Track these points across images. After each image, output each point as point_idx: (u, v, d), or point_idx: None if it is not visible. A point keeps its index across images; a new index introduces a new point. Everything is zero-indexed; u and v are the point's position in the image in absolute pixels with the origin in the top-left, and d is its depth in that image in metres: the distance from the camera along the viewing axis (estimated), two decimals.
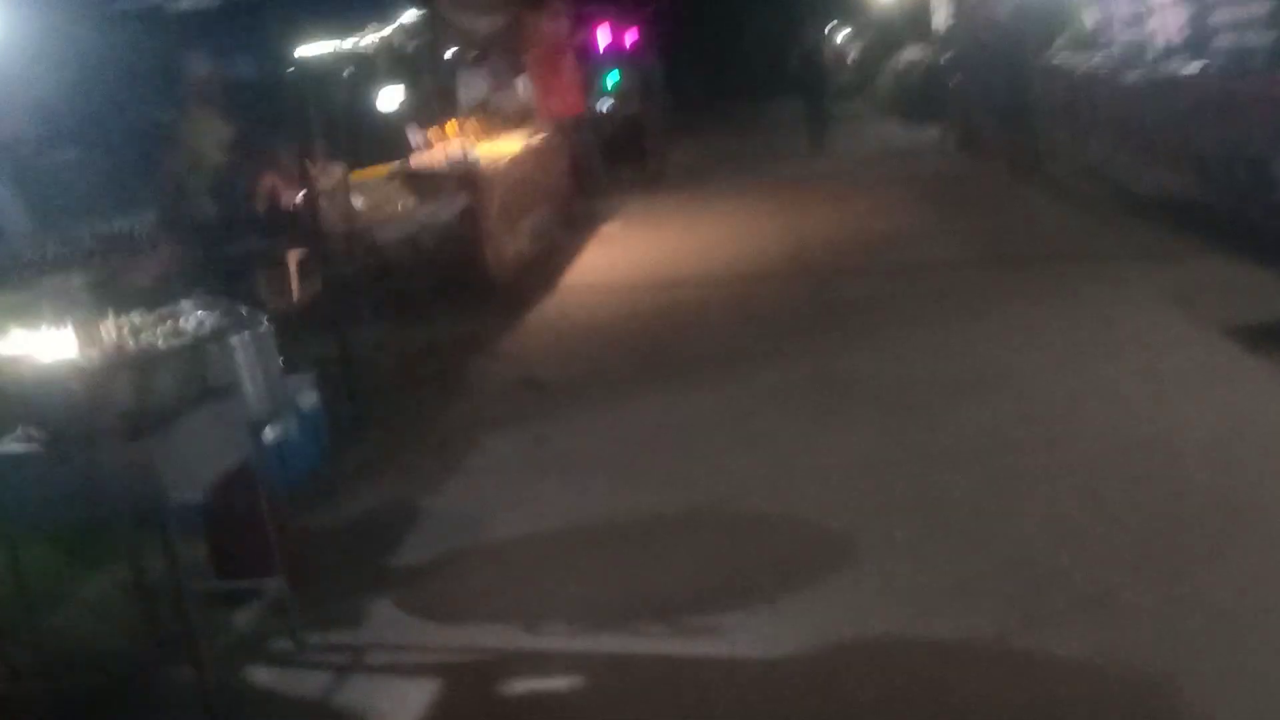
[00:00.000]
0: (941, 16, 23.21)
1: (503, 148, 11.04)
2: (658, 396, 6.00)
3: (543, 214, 11.55)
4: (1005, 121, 12.35)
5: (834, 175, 13.79)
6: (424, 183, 9.24)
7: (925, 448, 4.69)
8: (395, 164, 9.76)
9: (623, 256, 10.60)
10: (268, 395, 3.82)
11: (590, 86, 16.45)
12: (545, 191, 11.83)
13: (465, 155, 9.34)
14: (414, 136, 9.99)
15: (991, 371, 5.50)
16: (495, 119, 12.63)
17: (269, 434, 4.15)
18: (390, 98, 10.78)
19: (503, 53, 12.45)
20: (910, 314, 6.90)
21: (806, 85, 18.16)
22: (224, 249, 6.91)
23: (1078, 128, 10.48)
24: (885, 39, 28.11)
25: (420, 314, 8.01)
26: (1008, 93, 12.23)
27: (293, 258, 7.19)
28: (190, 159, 7.62)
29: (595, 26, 17.36)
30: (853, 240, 9.67)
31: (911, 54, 23.38)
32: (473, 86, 14.44)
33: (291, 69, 11.53)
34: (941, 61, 19.41)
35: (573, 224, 12.61)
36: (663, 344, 7.16)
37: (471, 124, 11.45)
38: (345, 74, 12.58)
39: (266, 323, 3.91)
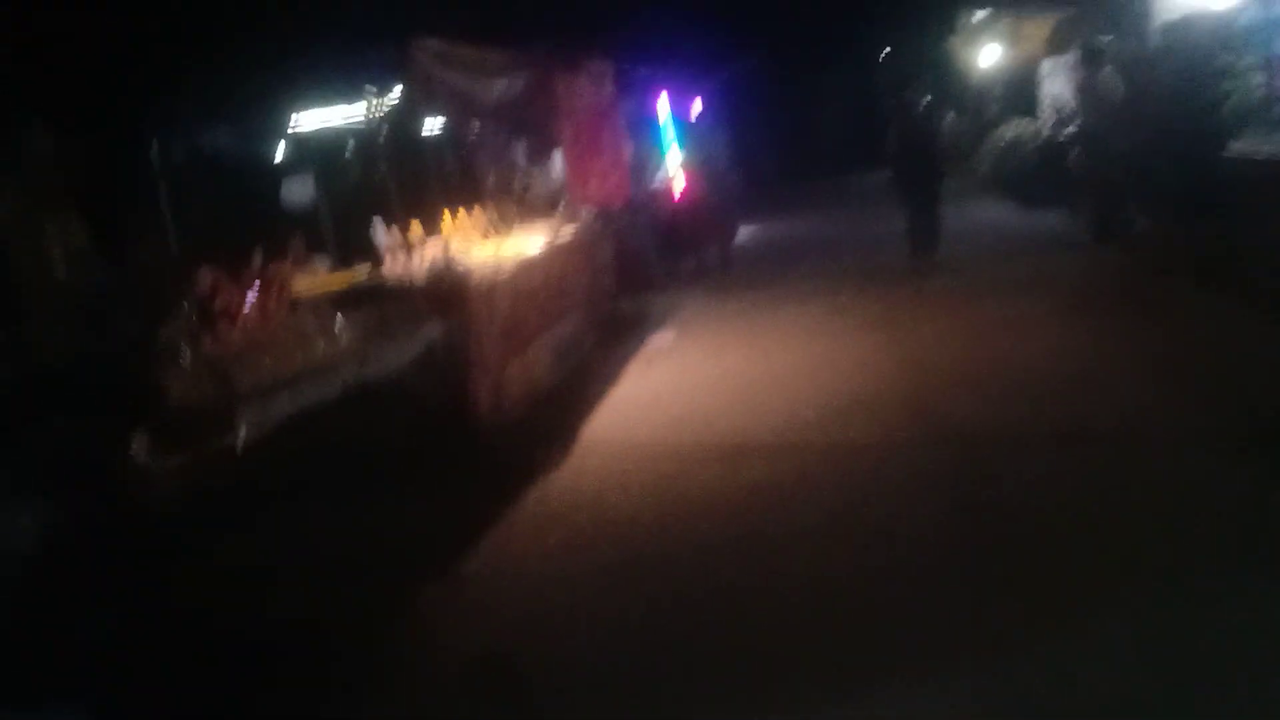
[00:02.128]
0: (1056, 86, 20.58)
1: (520, 245, 8.49)
2: None
3: (572, 326, 8.94)
4: (1176, 212, 9.47)
5: (947, 275, 10.97)
6: (385, 303, 6.67)
7: None
8: (359, 271, 7.24)
9: (671, 390, 7.90)
10: None
11: (644, 164, 13.93)
12: (577, 297, 9.23)
13: (449, 263, 6.76)
14: (381, 236, 7.44)
15: None
16: (521, 207, 10.14)
17: None
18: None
19: (529, 124, 9.99)
20: (1159, 573, 3.94)
21: (910, 172, 11.69)
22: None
23: None
24: (982, 110, 25.40)
25: (353, 497, 5.39)
26: (1180, 177, 9.39)
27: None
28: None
29: (652, 94, 14.89)
30: (991, 379, 6.85)
31: (1018, 128, 20.62)
32: (503, 167, 12.11)
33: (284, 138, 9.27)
34: (1061, 137, 16.67)
35: (614, 334, 9.98)
36: (721, 596, 4.37)
37: (483, 215, 8.93)
38: (348, 150, 10.26)
39: None
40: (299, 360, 5.82)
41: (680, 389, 7.86)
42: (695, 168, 14.48)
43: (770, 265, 13.81)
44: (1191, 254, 8.80)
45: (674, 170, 14.43)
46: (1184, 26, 10.92)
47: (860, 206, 19.95)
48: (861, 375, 7.33)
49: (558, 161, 10.12)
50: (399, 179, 8.01)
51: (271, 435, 5.31)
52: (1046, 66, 20.98)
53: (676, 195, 14.25)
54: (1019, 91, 22.37)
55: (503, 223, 9.25)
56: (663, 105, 15.32)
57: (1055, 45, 19.76)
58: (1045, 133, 17.54)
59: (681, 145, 15.19)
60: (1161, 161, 10.21)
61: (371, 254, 7.44)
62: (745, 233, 17.42)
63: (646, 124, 14.65)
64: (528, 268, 8.01)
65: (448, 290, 6.71)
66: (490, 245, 8.26)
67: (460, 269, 6.82)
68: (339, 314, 6.34)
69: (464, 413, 6.57)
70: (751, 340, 9.16)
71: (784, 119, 28.68)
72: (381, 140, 8.00)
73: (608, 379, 8.41)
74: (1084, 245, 11.43)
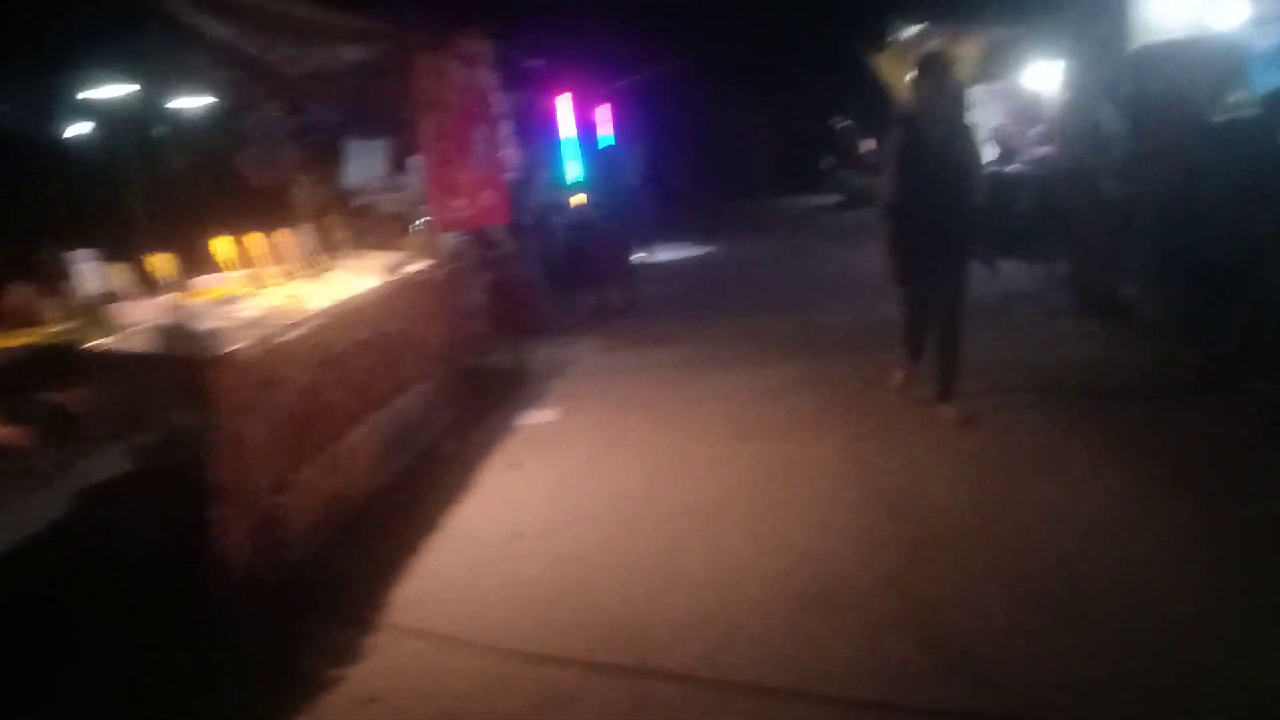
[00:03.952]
0: (989, 116, 18.79)
1: (341, 285, 5.94)
2: None
3: (417, 399, 6.40)
4: (1219, 285, 7.32)
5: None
6: (73, 386, 4.07)
7: None
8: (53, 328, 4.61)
9: (541, 521, 5.41)
10: None
11: (535, 178, 11.44)
12: (427, 356, 6.68)
13: (182, 320, 4.16)
14: (89, 270, 4.80)
15: None
16: (356, 229, 7.57)
17: None
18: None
19: (370, 115, 7.44)
20: None
21: (925, 221, 6.12)
22: None
23: None
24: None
25: None
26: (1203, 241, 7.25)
27: None
28: None
29: (550, 92, 12.42)
30: (994, 538, 4.57)
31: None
32: (363, 169, 9.47)
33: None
34: (1007, 169, 14.73)
35: (479, 404, 7.45)
36: None
37: (293, 241, 6.35)
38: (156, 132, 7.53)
39: None
40: None
41: (554, 519, 5.34)
42: (600, 184, 12.04)
43: (688, 308, 11.39)
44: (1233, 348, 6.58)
45: (573, 187, 11.96)
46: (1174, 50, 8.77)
47: (794, 236, 17.81)
48: (824, 528, 4.91)
49: (415, 169, 7.54)
50: (153, 190, 5.38)
51: None
52: (978, 93, 19.24)
53: (575, 217, 11.78)
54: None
55: (325, 252, 6.67)
56: (563, 108, 12.86)
57: (986, 70, 18.00)
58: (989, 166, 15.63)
59: (584, 157, 12.75)
60: (1171, 216, 8.11)
61: (82, 301, 4.79)
62: (661, 259, 15.06)
63: (541, 129, 12.18)
64: (345, 321, 5.46)
65: (185, 365, 4.12)
66: (292, 287, 5.68)
67: (207, 328, 4.22)
68: None
69: (195, 576, 3.99)
70: (659, 431, 6.70)
71: (705, 134, 26.45)
72: (127, 133, 5.37)
73: (454, 489, 5.86)
74: (1064, 316, 9.28)
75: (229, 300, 5.08)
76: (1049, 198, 13.23)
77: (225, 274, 5.38)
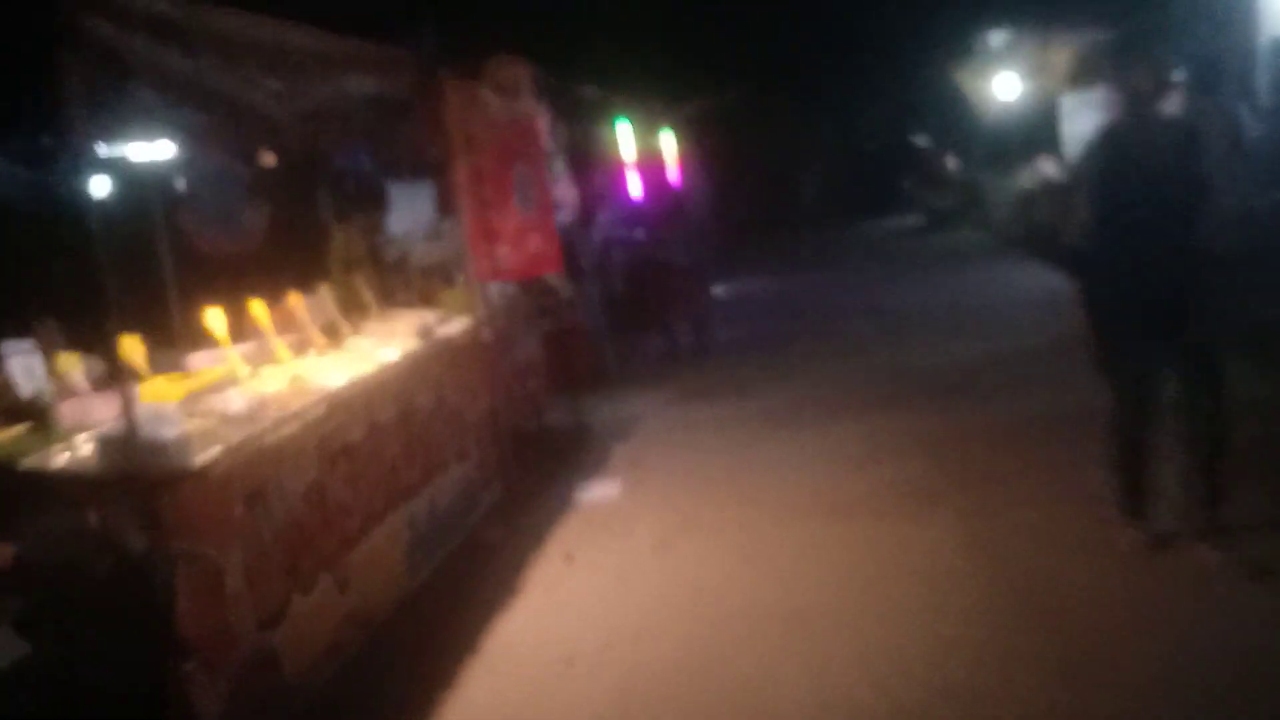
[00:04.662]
0: (1079, 125, 17.61)
1: (361, 356, 5.14)
2: None
3: (452, 486, 5.55)
4: None
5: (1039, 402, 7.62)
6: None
7: None
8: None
9: (605, 621, 4.53)
10: None
11: (592, 217, 10.61)
12: (462, 433, 5.85)
13: (141, 424, 3.33)
14: (23, 364, 4.01)
15: None
16: (393, 285, 6.81)
17: None
18: None
19: (394, 157, 6.69)
20: None
21: (1145, 257, 4.25)
22: None
23: None
24: (996, 150, 22.37)
25: None
26: None
27: None
28: None
29: (606, 123, 11.61)
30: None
31: (1043, 170, 17.55)
32: (408, 215, 8.78)
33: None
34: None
35: (530, 479, 6.60)
36: None
37: (319, 303, 5.58)
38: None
39: None
40: None
41: (615, 630, 4.41)
42: (666, 218, 11.15)
43: (763, 350, 10.43)
44: None
45: (637, 222, 11.09)
46: None
47: (875, 264, 16.76)
48: (951, 645, 3.89)
49: (457, 217, 6.73)
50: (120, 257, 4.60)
51: None
52: (1068, 103, 18.08)
53: (640, 254, 10.91)
54: (1038, 128, 19.41)
55: (349, 316, 5.87)
56: (623, 137, 12.03)
57: (1078, 77, 16.83)
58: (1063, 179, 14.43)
59: (647, 189, 11.89)
60: None
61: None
62: (732, 295, 14.15)
63: (598, 161, 11.36)
64: (362, 402, 4.63)
65: (139, 485, 3.30)
66: (300, 364, 4.87)
67: (174, 433, 3.40)
68: None
69: None
70: (735, 507, 5.75)
71: (774, 159, 25.48)
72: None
73: (497, 593, 4.96)
74: None
75: (218, 387, 4.30)
76: None
77: (221, 351, 4.60)
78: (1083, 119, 17.34)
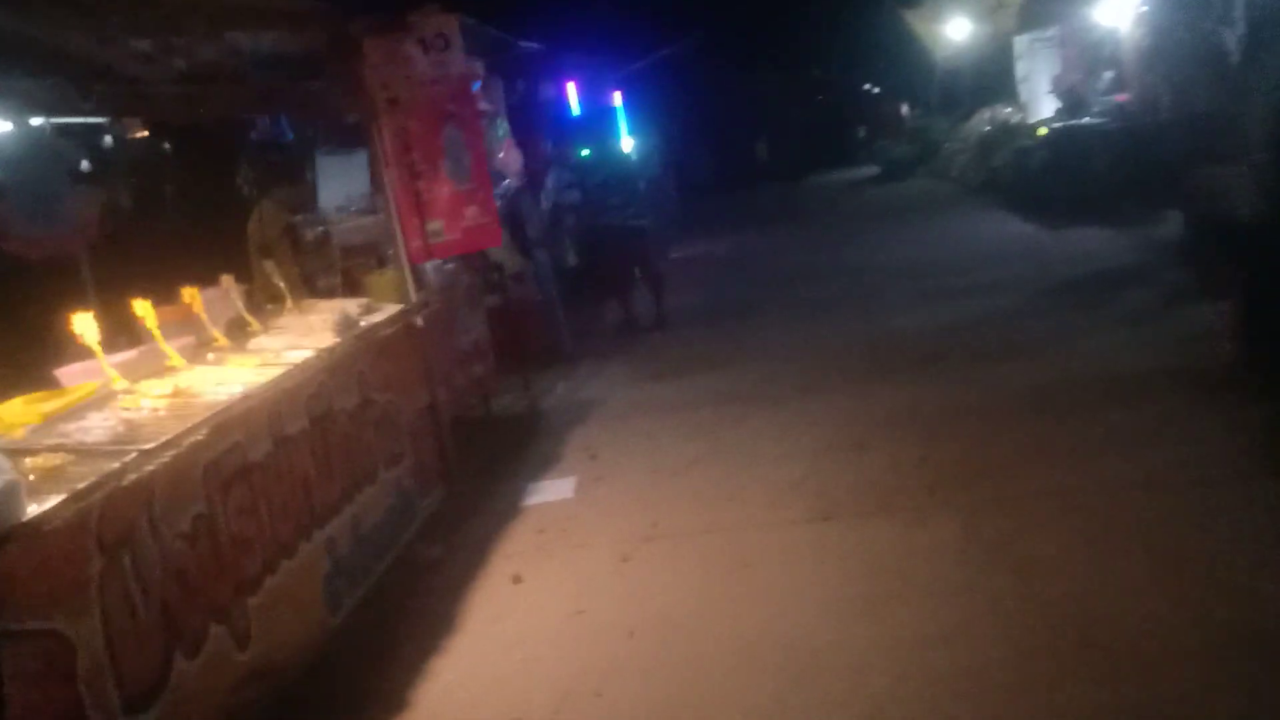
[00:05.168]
0: (1035, 66, 17.05)
1: (265, 363, 4.41)
2: None
3: (380, 496, 4.85)
4: None
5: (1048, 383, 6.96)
6: None
7: None
8: None
9: (558, 667, 3.84)
10: None
11: (541, 182, 9.85)
12: (394, 434, 5.15)
13: None
14: None
15: None
16: (311, 270, 6.07)
17: None
18: None
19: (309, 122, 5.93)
20: None
21: None
22: None
23: None
24: (950, 95, 21.79)
25: None
26: None
27: None
28: None
29: (553, 81, 10.82)
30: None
31: (1004, 118, 16.94)
32: (340, 189, 8.08)
33: None
34: (1079, 122, 12.91)
35: (473, 480, 5.91)
36: None
37: (212, 299, 4.84)
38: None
39: None
40: None
41: (571, 679, 3.71)
42: (618, 179, 10.39)
43: (727, 317, 9.76)
44: None
45: (588, 184, 10.33)
46: None
47: (836, 218, 16.06)
48: (981, 694, 3.26)
49: (381, 189, 5.95)
50: None
51: None
52: (1021, 44, 17.50)
53: (593, 219, 10.17)
54: (991, 75, 18.83)
55: (258, 309, 5.13)
56: (571, 96, 11.25)
57: (1033, 16, 16.25)
58: (1052, 120, 13.89)
59: (597, 150, 11.13)
60: None
61: None
62: (691, 256, 13.46)
63: (545, 122, 10.58)
64: (260, 415, 3.91)
65: None
66: (188, 374, 4.13)
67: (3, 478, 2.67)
68: None
69: None
70: (707, 508, 5.08)
71: (727, 114, 24.73)
72: None
73: (431, 629, 4.26)
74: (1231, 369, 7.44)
75: (83, 407, 3.56)
76: (1130, 152, 11.51)
77: (94, 362, 3.86)
78: (1040, 59, 16.81)
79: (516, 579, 4.57)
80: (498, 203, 8.90)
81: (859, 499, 4.79)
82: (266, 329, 4.97)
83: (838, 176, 23.35)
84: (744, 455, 5.70)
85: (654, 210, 11.49)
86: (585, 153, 10.55)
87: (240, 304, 5.00)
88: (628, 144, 12.47)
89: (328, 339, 4.69)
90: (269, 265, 5.38)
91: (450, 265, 6.79)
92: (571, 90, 11.21)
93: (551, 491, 5.64)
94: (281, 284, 5.31)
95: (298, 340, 4.69)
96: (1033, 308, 7.97)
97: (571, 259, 10.38)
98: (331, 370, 4.56)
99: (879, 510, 4.63)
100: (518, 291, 8.62)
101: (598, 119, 11.87)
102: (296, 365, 4.31)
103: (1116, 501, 4.29)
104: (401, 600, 4.51)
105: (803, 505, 4.83)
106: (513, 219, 8.67)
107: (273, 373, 4.18)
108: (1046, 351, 6.70)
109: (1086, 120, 12.87)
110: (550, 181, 9.90)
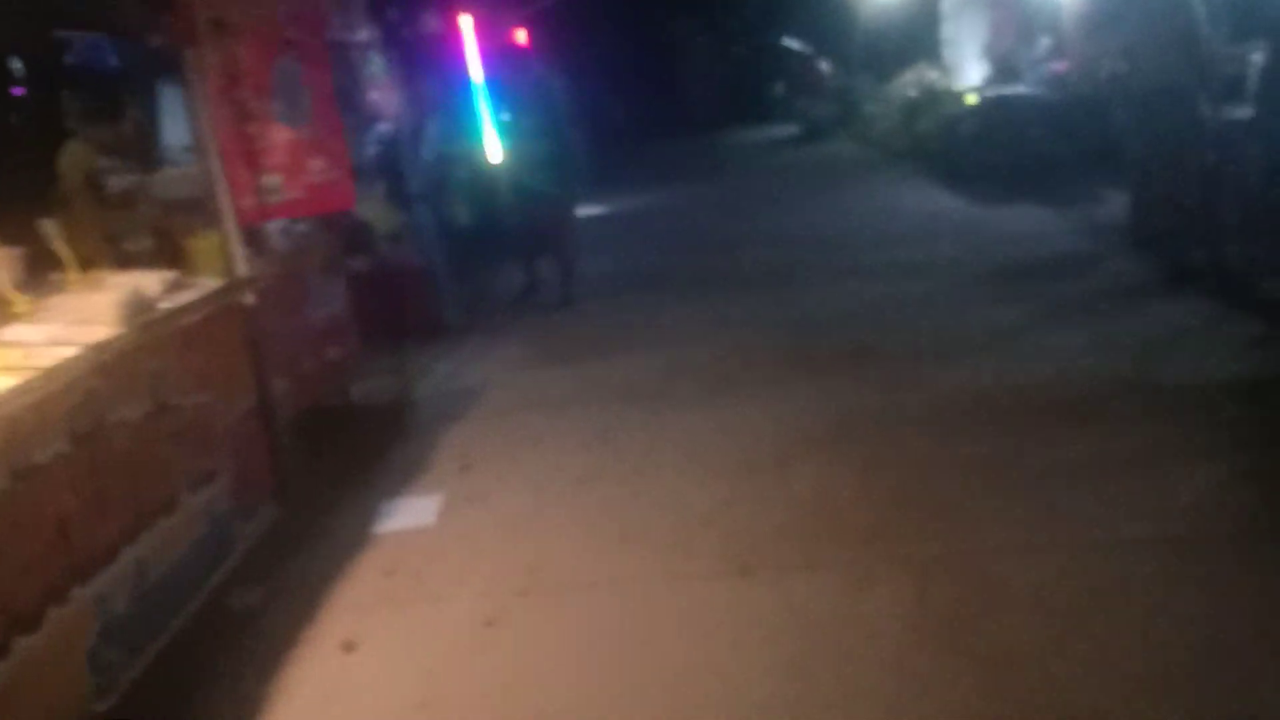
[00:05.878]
0: (962, 30, 16.38)
1: (29, 359, 3.30)
2: None
3: (178, 528, 3.79)
4: None
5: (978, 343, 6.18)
6: None
7: None
8: None
9: None
10: None
11: (424, 130, 8.70)
12: (203, 446, 4.08)
13: None
14: None
15: None
16: (130, 227, 4.91)
17: None
18: None
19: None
20: None
21: None
22: None
23: None
24: (873, 54, 20.96)
25: None
26: None
27: None
28: None
29: (444, 17, 9.62)
30: None
31: (929, 83, 16.18)
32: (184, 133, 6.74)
33: None
34: (1010, 92, 12.19)
35: (312, 496, 4.87)
36: None
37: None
38: None
39: None
40: None
41: None
42: (518, 130, 9.23)
43: (636, 289, 8.79)
44: None
45: (481, 135, 9.19)
46: None
47: (754, 180, 15.16)
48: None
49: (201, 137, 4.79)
50: None
51: None
52: (949, 3, 16.85)
53: (486, 174, 9.05)
54: (915, 35, 18.09)
55: (36, 281, 3.99)
56: (465, 33, 10.02)
57: None
58: (982, 90, 13.12)
59: (495, 96, 9.95)
60: None
61: None
62: (598, 215, 12.43)
63: (433, 62, 9.39)
64: (9, 433, 2.83)
65: None
66: None
67: None
68: None
69: None
70: (603, 549, 4.12)
71: (640, 64, 23.59)
72: None
73: None
74: (1136, 287, 6.84)
75: None
76: (1068, 126, 10.84)
77: None
78: (968, 21, 16.12)
79: (349, 646, 3.56)
80: (373, 150, 7.77)
81: (783, 546, 3.89)
82: (35, 311, 3.84)
83: (757, 134, 22.48)
84: (645, 473, 4.76)
85: (560, 164, 10.39)
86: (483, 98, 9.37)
87: (4, 277, 3.85)
88: (531, 89, 11.31)
89: (104, 331, 3.58)
90: (48, 224, 4.20)
91: (302, 226, 5.67)
92: (465, 25, 10.01)
93: (410, 514, 4.62)
94: (63, 251, 4.14)
95: (66, 330, 3.57)
96: (970, 295, 7.17)
97: (463, 217, 9.28)
98: (106, 372, 3.46)
99: (807, 565, 3.73)
100: (394, 254, 7.53)
101: (496, 61, 10.67)
102: (49, 370, 3.21)
103: (1092, 566, 3.46)
104: (202, 666, 3.49)
105: (715, 551, 3.90)
106: (391, 169, 7.55)
107: (10, 381, 3.08)
108: (992, 350, 5.89)
109: (1021, 90, 12.16)
110: (435, 129, 8.75)
